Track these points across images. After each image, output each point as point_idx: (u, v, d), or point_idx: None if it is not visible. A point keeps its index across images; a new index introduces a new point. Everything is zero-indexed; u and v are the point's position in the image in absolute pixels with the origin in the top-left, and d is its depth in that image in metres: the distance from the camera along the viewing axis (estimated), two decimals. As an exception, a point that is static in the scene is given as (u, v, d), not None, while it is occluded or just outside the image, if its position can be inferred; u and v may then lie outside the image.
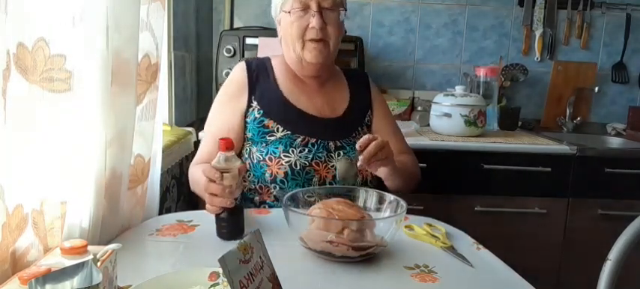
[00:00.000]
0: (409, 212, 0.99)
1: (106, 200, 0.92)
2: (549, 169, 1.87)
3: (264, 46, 1.94)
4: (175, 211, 1.64)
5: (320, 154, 1.22)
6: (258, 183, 1.24)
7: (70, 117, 0.81)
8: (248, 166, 1.25)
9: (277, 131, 1.23)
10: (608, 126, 2.39)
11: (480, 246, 1.00)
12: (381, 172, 1.18)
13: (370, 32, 2.40)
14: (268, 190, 1.23)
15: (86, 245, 0.67)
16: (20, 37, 0.70)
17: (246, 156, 1.27)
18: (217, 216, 0.97)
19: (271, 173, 1.21)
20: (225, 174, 0.93)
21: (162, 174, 1.24)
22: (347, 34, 2.14)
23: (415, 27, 2.43)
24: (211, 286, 0.71)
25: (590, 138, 2.28)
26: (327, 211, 0.91)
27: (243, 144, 1.29)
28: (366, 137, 1.07)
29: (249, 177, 1.26)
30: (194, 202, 1.88)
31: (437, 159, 1.84)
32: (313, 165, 1.22)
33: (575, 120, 2.37)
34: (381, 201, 1.02)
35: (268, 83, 1.29)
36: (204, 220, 1.04)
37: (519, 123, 2.32)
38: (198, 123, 1.98)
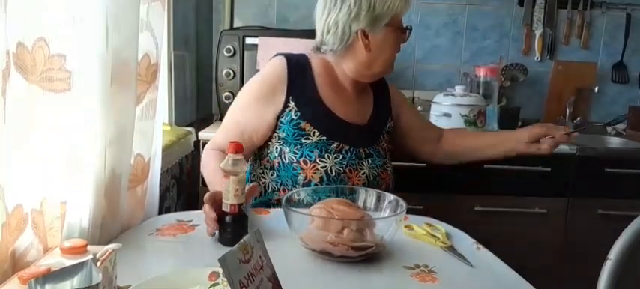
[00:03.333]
0: (409, 212, 0.99)
1: (105, 200, 0.92)
2: (549, 169, 1.87)
3: (264, 46, 1.94)
4: (175, 211, 1.64)
5: (353, 161, 1.23)
6: (282, 183, 1.22)
7: (70, 117, 0.81)
8: (276, 165, 1.23)
9: (313, 135, 1.21)
10: (608, 127, 2.39)
11: (480, 246, 1.00)
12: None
13: (370, 32, 2.40)
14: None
15: (86, 245, 0.67)
16: (20, 37, 0.70)
17: (276, 155, 1.24)
18: (221, 220, 0.95)
19: (306, 177, 1.20)
20: (232, 177, 0.92)
21: (162, 174, 1.24)
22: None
23: (415, 27, 2.43)
24: (211, 286, 0.71)
25: (590, 138, 2.27)
26: (327, 211, 0.91)
27: (266, 143, 1.26)
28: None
29: (272, 175, 1.24)
30: (194, 202, 1.88)
31: (437, 158, 1.83)
32: (347, 172, 1.22)
33: (575, 120, 2.36)
34: (380, 200, 1.02)
35: (306, 84, 1.25)
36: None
37: (519, 123, 2.32)
38: (198, 123, 1.99)
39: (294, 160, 1.21)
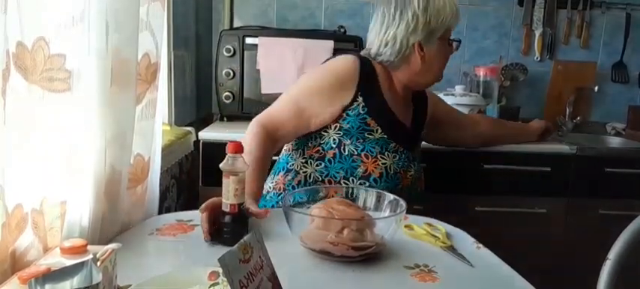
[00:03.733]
0: (409, 212, 0.99)
1: (105, 199, 0.92)
2: (549, 169, 1.87)
3: (264, 46, 1.94)
4: (175, 211, 1.64)
5: (405, 163, 1.30)
6: (329, 175, 1.25)
7: (70, 117, 0.81)
8: (331, 156, 1.26)
9: (376, 132, 1.26)
10: (607, 126, 2.39)
11: (480, 245, 1.00)
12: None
13: (370, 32, 2.40)
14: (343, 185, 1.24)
15: (86, 245, 0.67)
16: (20, 37, 0.70)
17: (333, 145, 1.26)
18: (220, 221, 0.95)
19: (366, 170, 1.25)
20: (232, 177, 0.92)
21: (161, 174, 1.24)
22: (346, 33, 2.15)
23: (415, 27, 2.42)
24: (211, 286, 0.71)
25: (590, 137, 2.27)
26: (326, 211, 0.91)
27: (320, 132, 1.27)
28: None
29: (318, 165, 1.27)
30: (194, 202, 1.88)
31: (437, 159, 1.84)
32: (401, 172, 1.28)
33: (574, 120, 2.36)
34: (380, 200, 1.02)
35: (373, 84, 1.29)
36: (204, 220, 1.04)
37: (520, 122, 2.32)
38: (198, 123, 1.99)
39: (355, 153, 1.25)
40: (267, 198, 1.32)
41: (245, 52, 1.97)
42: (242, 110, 1.99)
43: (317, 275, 0.85)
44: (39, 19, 0.73)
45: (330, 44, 1.94)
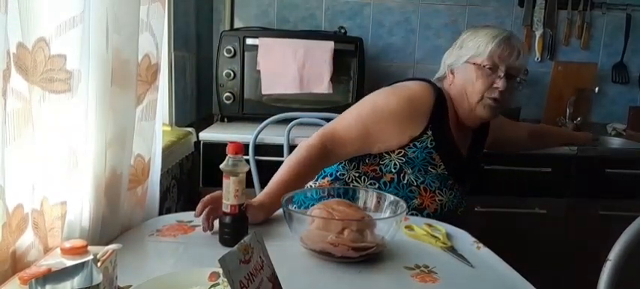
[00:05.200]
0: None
1: (106, 200, 0.92)
2: (549, 169, 1.87)
3: (265, 47, 1.94)
4: (176, 211, 1.64)
5: (458, 200, 1.30)
6: None
7: (70, 117, 0.81)
8: (388, 179, 1.24)
9: (439, 167, 1.25)
10: (608, 127, 2.39)
11: (480, 245, 1.00)
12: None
13: (370, 32, 2.40)
14: None
15: (86, 246, 0.68)
16: (20, 37, 0.70)
17: (393, 170, 1.24)
18: (221, 221, 0.96)
19: (422, 203, 1.23)
20: (232, 178, 0.92)
21: (162, 175, 1.24)
22: (347, 34, 2.15)
23: (415, 27, 2.43)
24: (211, 286, 0.71)
25: (591, 138, 2.27)
26: (327, 211, 0.91)
27: (382, 153, 1.25)
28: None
29: (373, 185, 1.25)
30: (194, 203, 1.88)
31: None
32: (454, 208, 1.27)
33: (575, 121, 2.36)
34: (380, 201, 1.02)
35: (444, 117, 1.26)
36: (205, 220, 1.04)
37: (520, 124, 2.32)
38: (199, 124, 1.99)
39: (415, 184, 1.24)
40: (308, 195, 1.27)
41: (245, 53, 1.97)
42: (242, 111, 2.00)
43: (317, 275, 0.85)
44: (39, 19, 0.73)
45: (330, 45, 1.95)
